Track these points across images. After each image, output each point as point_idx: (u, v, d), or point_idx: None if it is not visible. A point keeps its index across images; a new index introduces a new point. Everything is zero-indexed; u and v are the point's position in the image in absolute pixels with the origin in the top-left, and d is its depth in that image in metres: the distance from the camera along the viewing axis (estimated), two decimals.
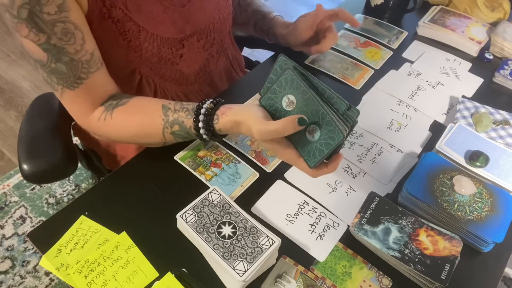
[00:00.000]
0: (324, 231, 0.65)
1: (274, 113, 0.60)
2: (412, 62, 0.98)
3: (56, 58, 0.61)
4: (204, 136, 0.65)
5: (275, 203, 0.68)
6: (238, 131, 0.63)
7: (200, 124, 0.64)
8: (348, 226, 0.66)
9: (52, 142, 0.79)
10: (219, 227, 0.60)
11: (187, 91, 0.86)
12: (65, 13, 0.59)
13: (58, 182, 1.66)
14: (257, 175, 0.72)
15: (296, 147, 0.60)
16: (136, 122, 0.68)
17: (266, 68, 0.96)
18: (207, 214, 0.61)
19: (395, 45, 1.02)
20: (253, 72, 0.96)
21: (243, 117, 0.60)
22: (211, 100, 0.65)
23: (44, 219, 1.55)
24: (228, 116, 0.62)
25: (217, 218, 0.61)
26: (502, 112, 0.84)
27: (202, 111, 0.64)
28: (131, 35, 0.68)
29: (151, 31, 0.70)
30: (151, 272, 0.59)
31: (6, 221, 1.54)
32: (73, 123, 0.93)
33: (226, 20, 0.84)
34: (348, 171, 0.74)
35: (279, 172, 0.72)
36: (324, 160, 0.58)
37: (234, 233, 0.59)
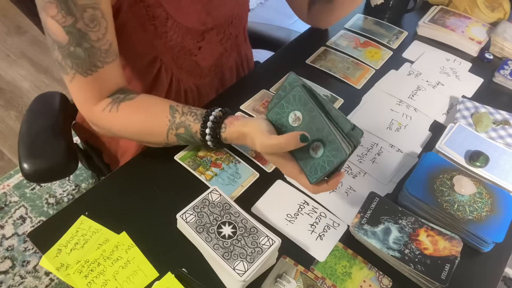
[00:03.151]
0: (324, 231, 0.65)
1: (279, 128, 0.61)
2: (412, 62, 0.98)
3: (77, 43, 0.61)
4: (209, 143, 0.66)
5: (275, 203, 0.68)
6: (244, 142, 0.64)
7: (207, 131, 0.65)
8: (348, 226, 0.66)
9: (52, 141, 0.79)
10: (219, 227, 0.60)
11: (199, 84, 0.88)
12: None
13: (58, 182, 1.66)
14: (257, 175, 0.72)
15: (298, 162, 0.60)
16: (141, 119, 0.68)
17: (266, 68, 0.96)
18: (207, 214, 0.61)
19: (395, 45, 1.02)
20: (253, 72, 0.96)
21: (248, 129, 0.61)
22: (220, 109, 0.66)
23: (44, 219, 1.55)
24: (235, 126, 0.64)
25: (217, 218, 0.61)
26: (502, 112, 0.84)
27: (211, 118, 0.65)
28: (159, 21, 0.70)
29: (177, 20, 0.72)
30: (151, 272, 0.59)
31: (6, 221, 1.54)
32: (73, 122, 0.93)
33: (244, 17, 0.87)
34: (348, 171, 0.74)
35: (279, 172, 0.72)
36: (325, 178, 0.59)
37: (234, 233, 0.59)
